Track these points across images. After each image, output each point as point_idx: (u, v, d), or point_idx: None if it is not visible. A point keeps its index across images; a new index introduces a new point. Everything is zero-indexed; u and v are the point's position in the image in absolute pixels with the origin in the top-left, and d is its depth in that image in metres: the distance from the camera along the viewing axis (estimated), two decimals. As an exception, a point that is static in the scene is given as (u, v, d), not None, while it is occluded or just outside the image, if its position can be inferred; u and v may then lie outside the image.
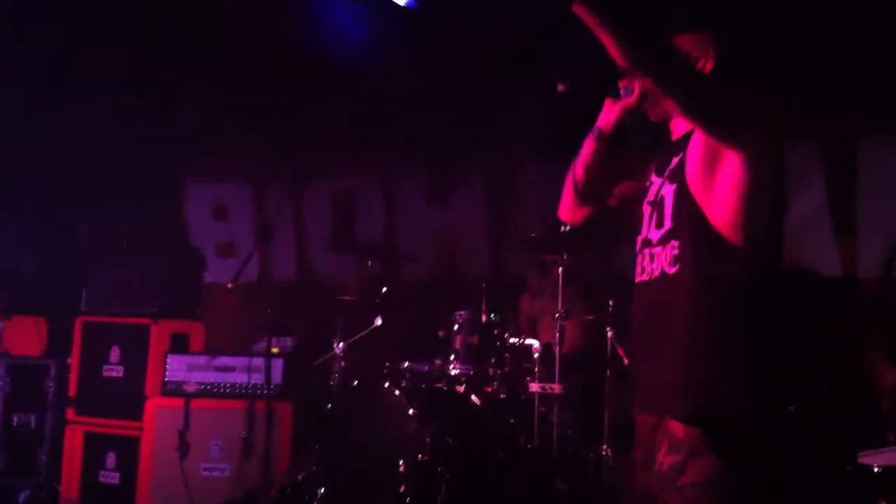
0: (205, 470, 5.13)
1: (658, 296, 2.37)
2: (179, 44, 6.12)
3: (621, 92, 2.50)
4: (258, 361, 5.31)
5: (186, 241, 6.84)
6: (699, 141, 2.31)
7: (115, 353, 5.53)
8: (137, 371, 5.44)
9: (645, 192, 2.52)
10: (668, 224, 2.36)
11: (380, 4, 5.66)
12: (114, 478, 5.34)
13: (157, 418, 5.21)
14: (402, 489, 4.41)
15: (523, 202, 6.31)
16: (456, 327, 5.03)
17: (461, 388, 4.92)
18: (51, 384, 5.78)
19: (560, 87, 2.55)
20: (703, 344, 2.24)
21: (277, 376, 5.25)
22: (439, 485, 4.43)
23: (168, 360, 5.38)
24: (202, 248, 6.73)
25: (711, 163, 2.27)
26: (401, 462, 4.46)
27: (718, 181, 2.26)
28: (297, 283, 6.77)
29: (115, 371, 5.50)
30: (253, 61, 6.27)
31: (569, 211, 2.72)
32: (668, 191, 2.38)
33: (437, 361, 5.03)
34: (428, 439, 4.52)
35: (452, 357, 4.98)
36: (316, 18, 5.93)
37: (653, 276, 2.39)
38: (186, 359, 5.41)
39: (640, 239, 2.49)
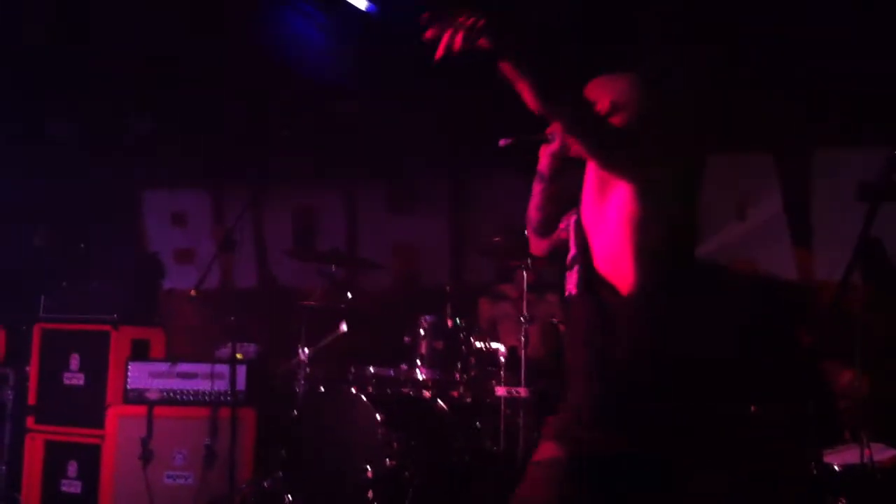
0: (168, 478, 5.09)
1: (572, 312, 2.57)
2: (137, 49, 6.06)
3: (548, 138, 2.72)
4: (221, 368, 5.27)
5: (144, 248, 6.77)
6: (591, 175, 2.54)
7: (74, 361, 5.46)
8: (98, 378, 5.39)
9: None
10: (572, 250, 2.57)
11: (340, 10, 5.67)
12: (76, 487, 5.28)
13: (119, 426, 5.17)
14: (370, 495, 4.42)
15: (484, 210, 6.36)
16: (421, 332, 5.05)
17: (427, 394, 4.95)
18: (9, 392, 5.66)
19: (501, 143, 2.80)
20: (596, 366, 2.41)
21: (241, 383, 5.22)
22: (407, 490, 4.45)
23: (129, 368, 5.33)
24: (160, 255, 6.69)
25: (602, 195, 2.48)
26: (368, 468, 4.47)
27: (608, 213, 2.45)
28: (259, 290, 6.73)
29: (75, 379, 5.44)
30: (215, 69, 6.24)
31: (534, 247, 2.91)
32: (572, 220, 2.63)
33: (403, 367, 5.05)
34: (395, 444, 4.54)
35: (418, 362, 5.00)
36: (277, 26, 5.92)
37: (570, 295, 2.56)
38: (148, 366, 5.37)
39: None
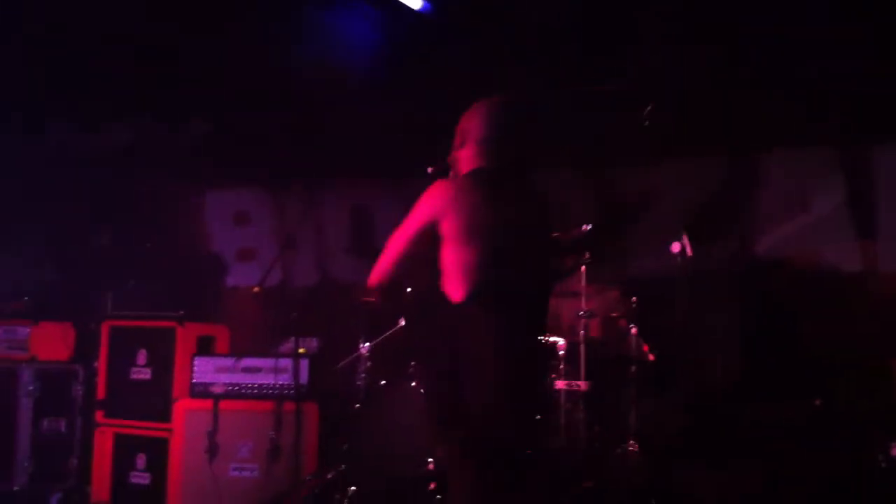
0: (234, 470, 5.18)
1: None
2: (197, 52, 6.17)
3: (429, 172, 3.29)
4: (284, 362, 5.35)
5: (207, 246, 6.90)
6: None
7: (141, 356, 5.60)
8: (165, 373, 5.51)
9: None
10: None
11: (392, 7, 5.71)
12: (144, 479, 5.41)
13: (186, 420, 5.27)
14: (432, 487, 4.46)
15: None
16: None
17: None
18: (79, 388, 5.83)
19: (429, 170, 3.29)
20: None
21: (304, 377, 5.30)
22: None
23: (195, 363, 5.43)
24: (223, 253, 6.82)
25: None
26: (429, 461, 4.51)
27: None
28: (319, 286, 6.82)
29: (142, 374, 5.57)
30: (268, 69, 6.32)
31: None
32: None
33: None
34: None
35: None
36: (330, 25, 5.98)
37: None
38: (213, 361, 5.46)
39: None
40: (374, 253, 6.31)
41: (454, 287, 2.93)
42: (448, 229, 2.97)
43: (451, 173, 3.19)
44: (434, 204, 3.04)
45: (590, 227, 4.87)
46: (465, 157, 3.16)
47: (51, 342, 5.96)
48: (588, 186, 6.16)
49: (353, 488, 4.70)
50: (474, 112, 3.15)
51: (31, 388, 5.72)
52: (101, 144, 6.74)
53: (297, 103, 6.44)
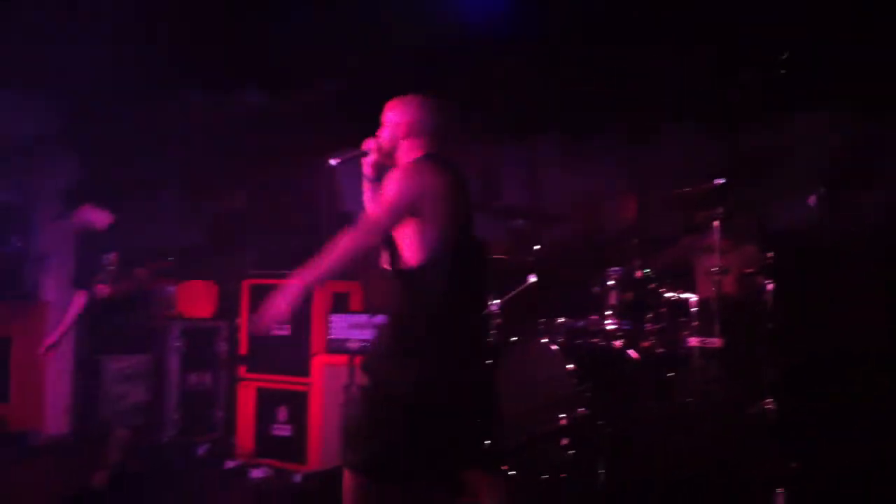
0: (369, 424, 5.34)
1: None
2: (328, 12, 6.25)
3: (367, 152, 3.47)
4: (416, 320, 5.46)
5: (339, 206, 7.04)
6: None
7: (280, 314, 5.79)
8: (302, 330, 5.71)
9: None
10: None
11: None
12: (286, 430, 5.64)
13: (324, 374, 5.47)
14: (565, 442, 4.49)
15: (663, 159, 6.25)
16: (610, 283, 5.05)
17: (618, 344, 4.95)
18: (222, 344, 6.10)
19: (332, 161, 3.56)
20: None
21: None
22: (600, 438, 4.50)
23: (331, 320, 5.61)
24: (355, 212, 6.95)
25: None
26: (561, 416, 4.54)
27: None
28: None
29: (281, 330, 5.78)
30: (390, 29, 6.36)
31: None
32: None
33: (593, 317, 5.07)
34: (587, 394, 4.58)
35: (608, 313, 5.01)
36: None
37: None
38: (348, 318, 5.62)
39: None
40: (502, 210, 6.39)
41: (425, 251, 3.23)
42: (427, 208, 3.23)
43: (370, 160, 3.47)
44: (420, 183, 3.26)
45: (722, 180, 4.76)
46: (411, 147, 3.43)
47: (195, 300, 6.25)
48: (719, 140, 6.00)
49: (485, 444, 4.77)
50: (414, 105, 3.46)
51: (177, 344, 6.02)
52: (236, 106, 6.93)
53: (423, 61, 6.47)
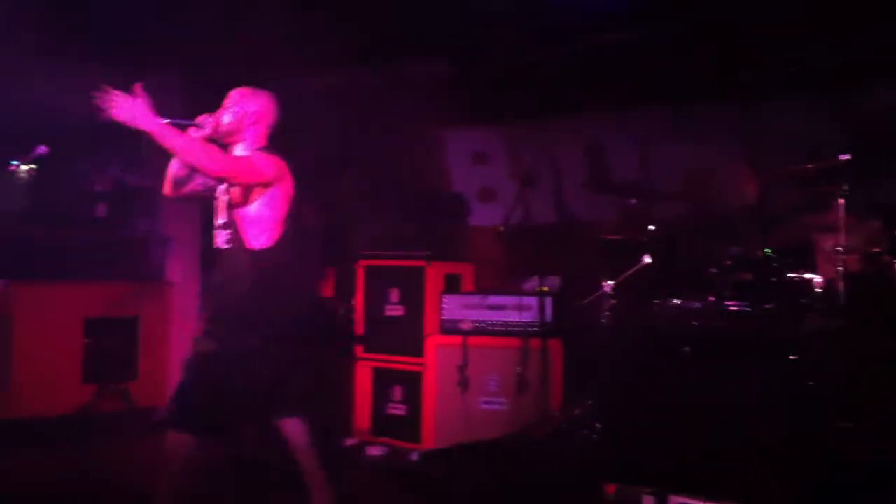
0: (484, 403, 5.41)
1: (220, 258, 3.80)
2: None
3: (199, 125, 3.73)
4: (529, 300, 5.49)
5: (449, 187, 7.09)
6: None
7: (394, 294, 5.91)
8: (416, 310, 5.79)
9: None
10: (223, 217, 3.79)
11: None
12: (401, 410, 5.76)
13: (438, 355, 5.54)
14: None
15: (777, 134, 6.06)
16: (728, 263, 4.95)
17: (737, 326, 4.86)
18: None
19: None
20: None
21: (548, 314, 5.40)
22: (717, 420, 4.44)
23: (444, 300, 5.68)
24: (465, 193, 7.00)
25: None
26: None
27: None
28: (558, 224, 6.86)
29: (395, 310, 5.89)
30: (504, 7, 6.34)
31: (168, 189, 3.88)
32: (222, 195, 3.82)
33: (711, 298, 4.98)
34: (705, 376, 4.52)
35: (726, 294, 4.91)
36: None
37: (220, 248, 3.79)
38: (461, 298, 5.69)
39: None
40: (611, 188, 6.31)
41: (268, 235, 3.71)
42: (278, 192, 3.71)
43: (202, 134, 3.72)
44: (279, 167, 3.73)
45: (847, 156, 4.59)
46: (254, 135, 3.83)
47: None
48: (840, 110, 5.78)
49: (599, 424, 4.77)
50: (264, 99, 3.89)
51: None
52: (345, 87, 7.04)
53: (526, 35, 6.42)
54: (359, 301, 6.04)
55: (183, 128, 3.64)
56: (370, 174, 7.17)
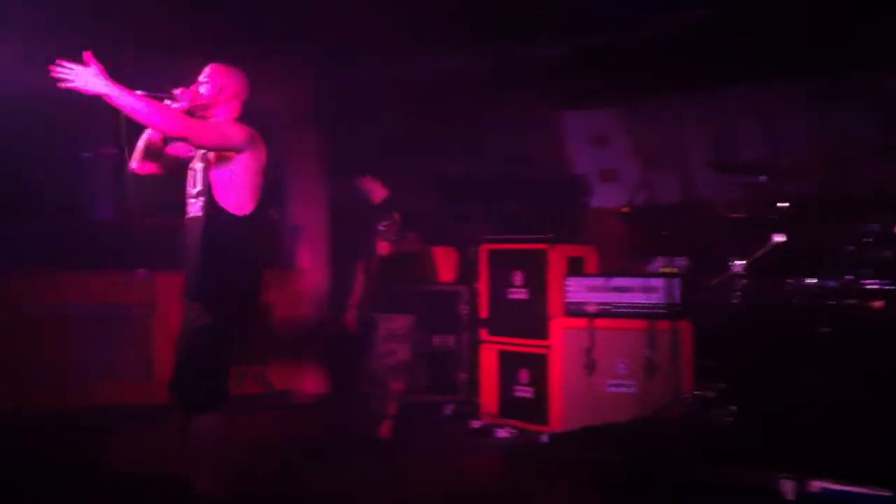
0: (611, 386, 5.37)
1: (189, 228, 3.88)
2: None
3: (174, 97, 3.80)
4: (655, 282, 5.41)
5: (570, 169, 7.05)
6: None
7: (517, 277, 5.92)
8: (539, 293, 5.79)
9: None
10: (196, 187, 3.86)
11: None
12: (527, 392, 5.78)
13: (563, 337, 5.53)
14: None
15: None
16: (868, 241, 4.76)
17: (878, 304, 4.67)
18: (464, 307, 6.30)
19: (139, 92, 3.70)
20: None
21: (676, 295, 5.32)
22: (860, 401, 4.30)
23: (568, 283, 5.67)
24: (586, 174, 6.94)
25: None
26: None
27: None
28: (684, 204, 6.73)
29: (519, 293, 5.90)
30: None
31: (141, 168, 3.98)
32: (197, 166, 3.89)
33: (848, 277, 4.80)
34: (843, 358, 4.38)
35: (865, 272, 4.73)
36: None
37: (195, 216, 3.84)
38: (585, 281, 5.66)
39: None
40: (737, 167, 6.15)
41: (244, 202, 3.79)
42: (251, 160, 3.79)
43: (179, 107, 3.77)
44: (251, 135, 3.80)
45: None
46: (229, 109, 3.93)
47: (437, 265, 6.50)
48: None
49: (733, 407, 4.68)
50: (239, 75, 3.97)
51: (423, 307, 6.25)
52: (462, 70, 7.07)
53: (652, 17, 6.31)
54: (482, 285, 6.08)
55: (160, 100, 3.73)
56: (491, 158, 7.19)
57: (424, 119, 7.13)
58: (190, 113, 3.81)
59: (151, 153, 3.95)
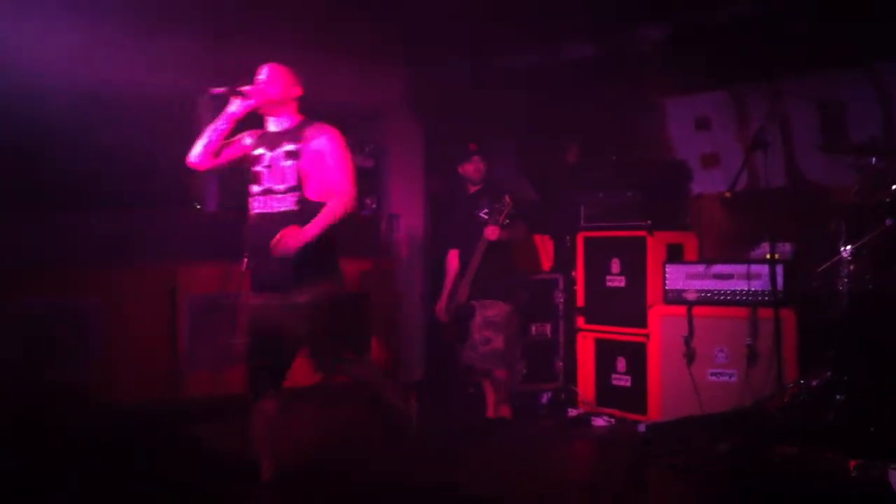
0: (712, 375, 5.25)
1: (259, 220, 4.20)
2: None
3: (245, 94, 4.07)
4: (757, 268, 5.25)
5: (670, 154, 6.90)
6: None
7: (615, 265, 5.85)
8: (637, 281, 5.70)
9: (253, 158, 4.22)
10: (290, 182, 4.12)
11: None
12: (625, 381, 5.70)
13: (662, 325, 5.43)
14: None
15: None
16: None
17: None
18: (560, 295, 6.25)
19: (214, 91, 4.13)
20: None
21: (780, 282, 5.15)
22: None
23: (667, 270, 5.55)
24: (687, 160, 6.78)
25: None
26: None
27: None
28: (789, 188, 6.51)
29: (616, 281, 5.83)
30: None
31: (201, 163, 4.16)
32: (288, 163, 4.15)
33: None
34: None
35: None
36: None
37: (291, 210, 4.10)
38: (684, 268, 5.54)
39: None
40: (849, 148, 5.90)
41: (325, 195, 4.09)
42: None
43: (247, 103, 4.07)
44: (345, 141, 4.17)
45: None
46: (294, 108, 4.22)
47: (534, 254, 6.46)
48: None
49: (839, 397, 4.49)
50: (296, 75, 4.21)
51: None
52: (560, 59, 7.01)
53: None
54: (579, 272, 6.03)
55: (226, 98, 4.04)
56: (592, 144, 7.10)
57: (525, 108, 7.10)
58: (256, 110, 4.12)
59: (215, 152, 4.17)
